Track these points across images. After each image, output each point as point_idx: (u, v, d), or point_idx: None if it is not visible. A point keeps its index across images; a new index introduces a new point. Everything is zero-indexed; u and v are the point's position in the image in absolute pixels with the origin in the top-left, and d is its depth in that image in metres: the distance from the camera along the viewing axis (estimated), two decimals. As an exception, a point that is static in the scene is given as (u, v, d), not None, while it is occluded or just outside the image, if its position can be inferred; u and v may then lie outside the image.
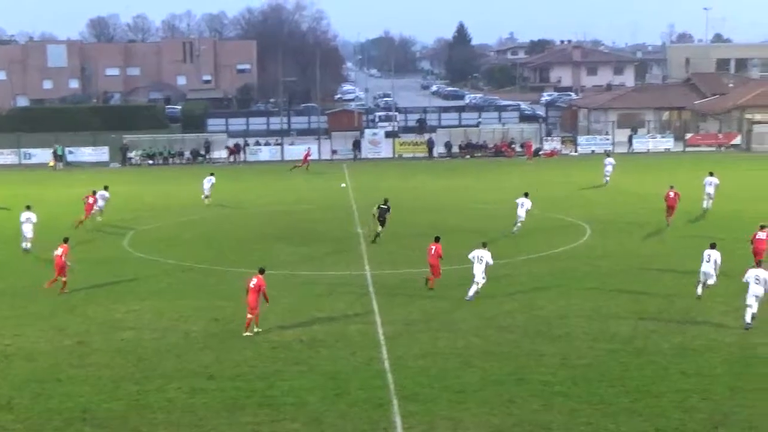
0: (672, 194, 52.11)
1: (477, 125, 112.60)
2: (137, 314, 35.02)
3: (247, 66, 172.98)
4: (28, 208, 48.27)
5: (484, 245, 37.02)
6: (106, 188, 57.99)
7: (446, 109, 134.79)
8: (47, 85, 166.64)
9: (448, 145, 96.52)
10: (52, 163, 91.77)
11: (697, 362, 28.25)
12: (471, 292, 36.13)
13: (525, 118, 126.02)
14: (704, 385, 26.23)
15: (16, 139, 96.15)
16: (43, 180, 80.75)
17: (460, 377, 27.33)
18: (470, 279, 36.34)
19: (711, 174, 56.61)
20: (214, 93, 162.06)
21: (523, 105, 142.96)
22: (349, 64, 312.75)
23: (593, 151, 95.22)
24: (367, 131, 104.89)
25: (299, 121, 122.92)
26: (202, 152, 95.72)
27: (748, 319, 31.70)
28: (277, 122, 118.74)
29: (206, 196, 63.47)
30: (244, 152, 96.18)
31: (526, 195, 50.85)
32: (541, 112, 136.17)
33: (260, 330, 32.09)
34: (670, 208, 51.95)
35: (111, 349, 30.75)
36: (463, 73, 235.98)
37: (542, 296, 36.50)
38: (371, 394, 26.09)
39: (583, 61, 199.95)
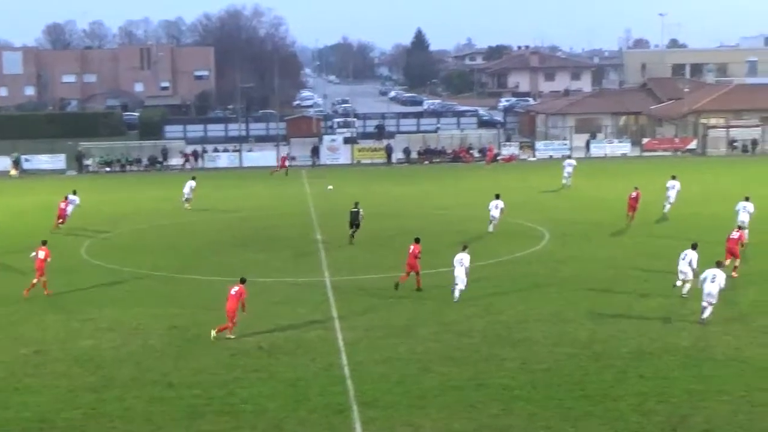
0: (635, 194, 53.49)
1: (436, 131, 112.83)
2: (95, 323, 34.76)
3: (204, 72, 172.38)
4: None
5: (464, 248, 37.77)
6: (74, 193, 58.45)
7: (405, 115, 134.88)
8: (2, 92, 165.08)
9: (406, 151, 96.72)
10: (13, 172, 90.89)
11: (655, 365, 28.45)
12: (456, 294, 36.65)
13: (483, 123, 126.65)
14: (662, 388, 26.42)
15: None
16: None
17: (420, 382, 27.35)
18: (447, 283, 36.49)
19: (673, 177, 57.46)
20: (172, 100, 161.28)
21: (482, 111, 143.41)
22: (307, 71, 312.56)
23: (551, 156, 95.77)
24: (326, 137, 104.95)
25: (257, 128, 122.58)
26: (160, 159, 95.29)
27: (704, 315, 32.62)
28: (235, 129, 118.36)
29: (186, 200, 63.54)
30: (202, 159, 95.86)
31: (497, 197, 52.28)
32: (499, 117, 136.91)
33: (231, 337, 32.02)
34: (632, 208, 53.24)
35: (68, 358, 30.51)
36: (422, 79, 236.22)
37: (502, 301, 36.60)
38: (331, 400, 26.06)
39: (540, 66, 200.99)
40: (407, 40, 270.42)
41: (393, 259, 45.47)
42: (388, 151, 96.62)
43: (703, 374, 27.55)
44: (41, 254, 38.93)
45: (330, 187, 71.12)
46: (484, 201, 53.98)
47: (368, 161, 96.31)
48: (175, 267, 44.81)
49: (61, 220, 55.08)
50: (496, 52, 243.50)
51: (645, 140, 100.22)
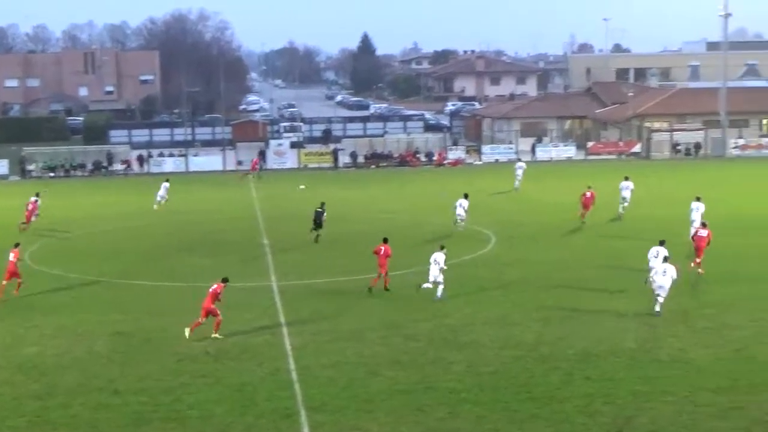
0: (588, 194, 54.75)
1: (382, 135, 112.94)
2: (39, 329, 34.38)
3: (150, 77, 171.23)
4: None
5: (441, 248, 38.22)
6: (37, 195, 59.52)
7: (351, 120, 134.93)
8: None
9: (353, 155, 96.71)
10: None
11: (601, 367, 28.65)
12: (439, 293, 37.14)
13: (430, 127, 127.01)
14: (607, 390, 26.61)
15: None
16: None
17: (367, 386, 27.35)
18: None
19: (626, 178, 58.39)
20: (117, 104, 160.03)
21: (428, 115, 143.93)
22: (253, 75, 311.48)
23: (497, 160, 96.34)
24: (272, 142, 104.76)
25: (203, 132, 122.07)
26: (105, 164, 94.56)
27: (657, 308, 33.83)
28: (181, 133, 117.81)
29: (158, 201, 64.00)
30: (148, 164, 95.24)
31: (465, 196, 53.64)
32: (445, 121, 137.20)
33: (219, 337, 32.22)
34: (585, 207, 54.59)
35: (12, 365, 30.14)
36: (368, 83, 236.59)
37: (448, 304, 36.68)
38: (279, 405, 25.97)
39: (486, 71, 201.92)
40: (354, 44, 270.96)
41: (340, 262, 45.54)
42: (335, 155, 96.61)
43: (648, 375, 27.79)
44: (11, 256, 39.24)
45: (302, 186, 71.29)
46: (431, 205, 54.15)
47: (315, 165, 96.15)
48: (120, 272, 44.45)
49: (27, 221, 56.30)
50: (442, 57, 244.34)
51: (590, 144, 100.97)
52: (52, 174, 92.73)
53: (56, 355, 31.27)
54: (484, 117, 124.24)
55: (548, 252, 47.43)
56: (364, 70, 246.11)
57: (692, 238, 42.75)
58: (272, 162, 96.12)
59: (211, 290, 32.54)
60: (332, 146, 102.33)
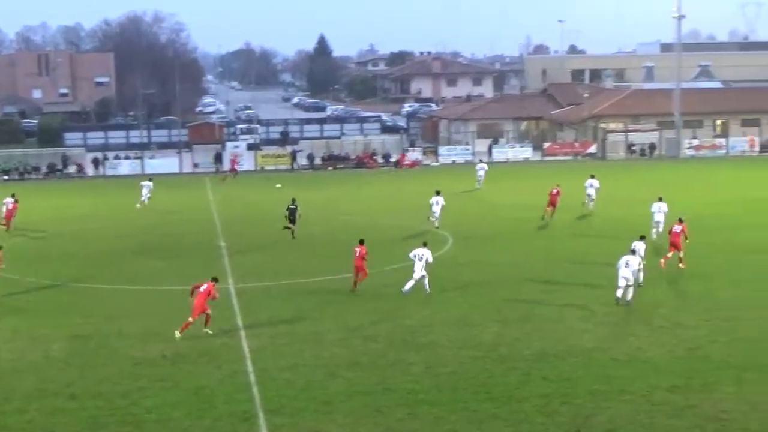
0: (555, 191, 55.98)
1: (339, 137, 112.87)
2: (-6, 334, 34.06)
3: (105, 79, 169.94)
4: None
5: (424, 245, 38.77)
6: (13, 196, 59.52)
7: (308, 121, 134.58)
8: None
9: (310, 157, 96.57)
10: None
11: (559, 367, 28.78)
12: (407, 286, 37.85)
13: (387, 129, 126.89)
14: (565, 389, 26.74)
15: None
16: None
17: (326, 388, 27.31)
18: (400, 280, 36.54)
19: (592, 176, 59.29)
20: (72, 106, 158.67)
21: (385, 116, 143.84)
22: (209, 77, 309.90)
23: (454, 161, 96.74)
24: (229, 144, 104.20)
25: (159, 134, 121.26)
26: (59, 167, 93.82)
27: (618, 294, 35.19)
28: (137, 135, 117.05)
29: (142, 201, 63.90)
30: (104, 166, 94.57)
31: (438, 193, 54.98)
32: (402, 123, 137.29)
33: (210, 332, 32.57)
34: (552, 204, 55.67)
35: (-34, 370, 29.85)
36: (325, 85, 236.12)
37: (407, 305, 36.71)
38: (237, 408, 25.87)
39: (442, 72, 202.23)
40: (310, 46, 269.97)
41: (298, 264, 45.47)
42: (294, 156, 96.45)
43: (605, 374, 27.95)
44: None
45: (278, 185, 71.31)
46: (388, 206, 54.11)
47: (272, 167, 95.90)
48: (76, 276, 44.08)
49: (6, 221, 56.76)
50: (398, 58, 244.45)
51: (546, 145, 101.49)
52: (6, 177, 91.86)
53: (12, 359, 30.96)
54: (440, 118, 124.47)
55: (505, 253, 47.60)
56: (321, 72, 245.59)
57: (669, 233, 43.11)
58: (229, 164, 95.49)
59: (202, 290, 32.60)
60: (290, 148, 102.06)
